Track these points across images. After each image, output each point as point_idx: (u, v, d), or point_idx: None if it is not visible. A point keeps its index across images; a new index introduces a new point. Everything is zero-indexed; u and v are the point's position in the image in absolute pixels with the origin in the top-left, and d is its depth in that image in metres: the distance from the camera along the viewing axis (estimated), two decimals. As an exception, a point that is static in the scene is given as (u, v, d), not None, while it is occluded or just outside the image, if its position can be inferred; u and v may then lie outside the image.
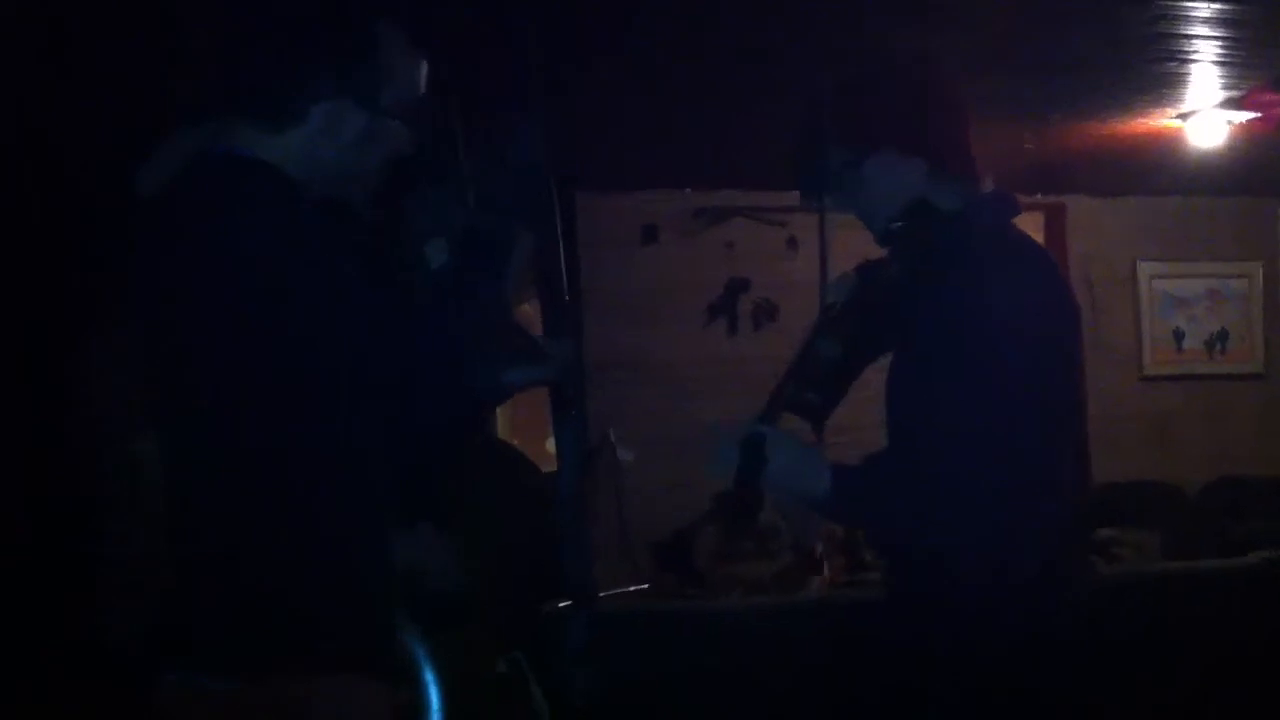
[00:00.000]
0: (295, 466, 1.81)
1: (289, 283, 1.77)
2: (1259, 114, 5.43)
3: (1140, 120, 5.57)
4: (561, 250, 2.25)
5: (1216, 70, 4.91)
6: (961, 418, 2.15)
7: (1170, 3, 4.18)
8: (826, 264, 2.39)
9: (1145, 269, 7.14)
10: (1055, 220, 7.00)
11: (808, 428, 2.36)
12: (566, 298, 2.28)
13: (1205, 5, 4.19)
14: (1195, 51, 4.68)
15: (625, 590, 5.30)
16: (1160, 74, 4.95)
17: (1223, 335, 7.23)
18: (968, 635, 2.22)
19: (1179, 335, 7.20)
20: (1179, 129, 5.67)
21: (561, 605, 2.11)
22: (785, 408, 2.29)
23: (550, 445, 2.48)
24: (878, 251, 2.45)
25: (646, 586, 5.42)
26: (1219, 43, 4.59)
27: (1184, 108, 5.43)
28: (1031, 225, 6.84)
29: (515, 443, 5.40)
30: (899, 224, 2.31)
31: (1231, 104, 5.35)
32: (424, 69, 2.01)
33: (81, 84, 3.60)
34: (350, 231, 1.99)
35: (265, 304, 1.76)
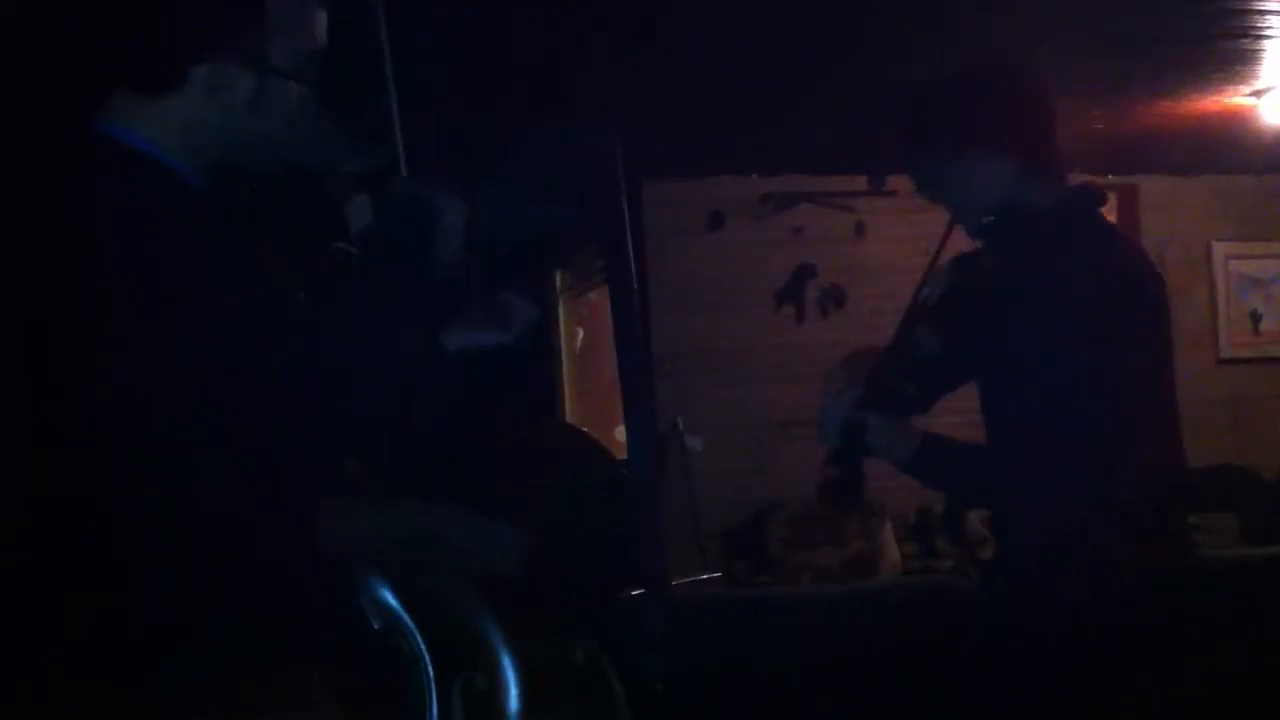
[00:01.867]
0: (256, 462, 1.73)
1: (169, 283, 1.67)
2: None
3: (1214, 98, 5.49)
4: (629, 238, 2.24)
5: (1291, 46, 4.84)
6: (1062, 406, 2.23)
7: (1244, -22, 4.12)
8: (938, 258, 2.46)
9: (1221, 249, 7.03)
10: (1128, 201, 6.91)
11: None
12: (635, 285, 2.27)
13: (1280, -21, 4.13)
14: (1269, 27, 4.61)
15: (697, 579, 5.30)
16: (1234, 50, 4.88)
17: (1302, 316, 7.12)
18: (1060, 614, 2.29)
19: (1256, 317, 7.08)
20: (1253, 107, 5.58)
21: (635, 593, 2.12)
22: (882, 396, 2.37)
23: (620, 434, 2.48)
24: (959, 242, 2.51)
25: (718, 575, 5.42)
26: (1294, 18, 4.52)
27: (1258, 85, 5.35)
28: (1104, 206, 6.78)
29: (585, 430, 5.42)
30: (991, 219, 2.38)
31: (1307, 80, 5.27)
32: (322, 19, 1.86)
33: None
34: (243, 208, 1.86)
35: (149, 306, 1.67)
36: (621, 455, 2.32)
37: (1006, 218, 2.36)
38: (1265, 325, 7.10)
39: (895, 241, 6.16)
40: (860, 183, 6.49)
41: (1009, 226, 2.36)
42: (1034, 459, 2.25)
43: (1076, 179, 2.51)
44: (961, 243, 2.49)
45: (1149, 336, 2.33)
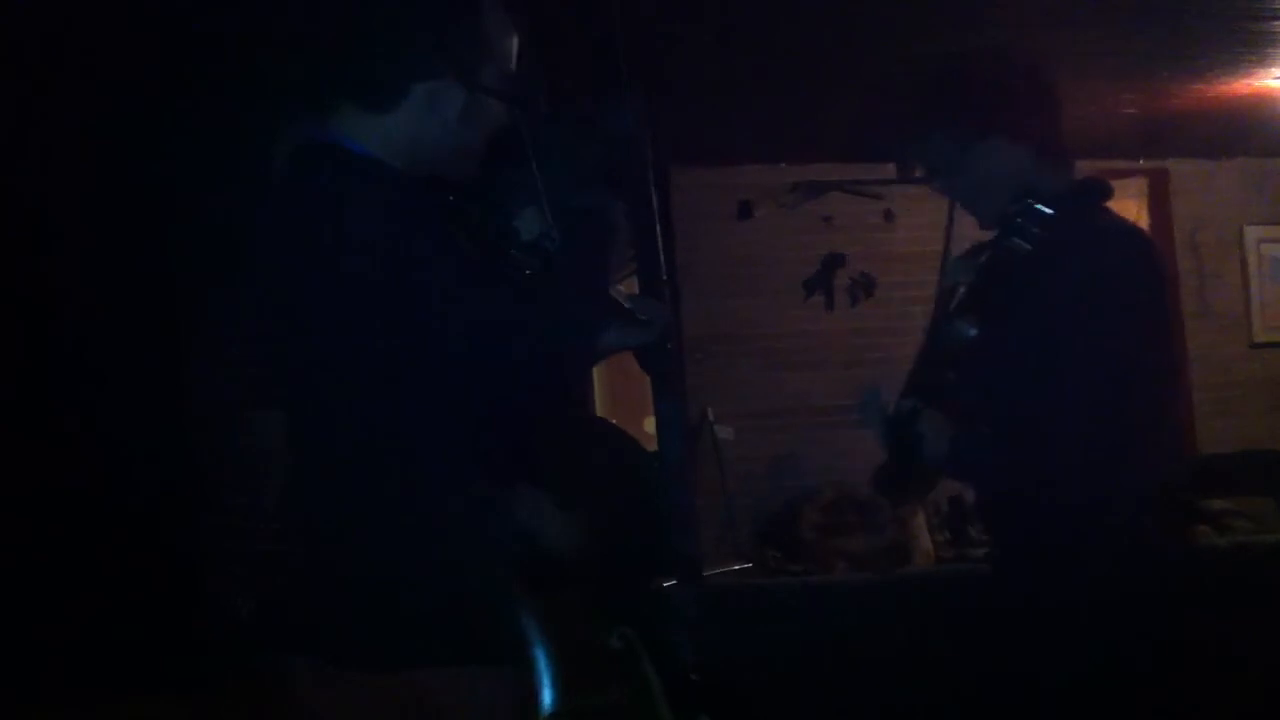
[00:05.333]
0: (416, 453, 1.83)
1: (392, 271, 1.78)
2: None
3: (1245, 80, 5.44)
4: (658, 226, 2.24)
5: (1324, 27, 4.79)
6: (1081, 390, 2.27)
7: (1276, -42, 4.09)
8: (950, 246, 2.49)
9: (1252, 233, 6.96)
10: (1159, 185, 6.86)
11: None
12: (664, 274, 2.28)
13: (1313, -41, 4.09)
14: (1302, 8, 4.57)
15: (729, 568, 5.30)
16: (1265, 32, 4.83)
17: (1335, 300, 7.04)
18: (1073, 597, 2.31)
19: (1289, 300, 7.02)
20: (1286, 88, 5.54)
21: (667, 583, 2.13)
22: (924, 388, 2.40)
23: (649, 425, 2.49)
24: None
25: (750, 565, 5.42)
26: (1327, -2, 4.47)
27: (1290, 66, 5.30)
28: (1135, 190, 6.72)
29: (614, 421, 5.43)
30: (1013, 208, 2.39)
31: (1340, 61, 5.21)
32: (517, 42, 2.00)
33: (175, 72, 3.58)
34: (452, 212, 1.98)
35: (371, 292, 1.78)
36: (652, 446, 2.33)
37: (1022, 207, 2.38)
38: (1298, 309, 7.04)
39: (925, 229, 6.12)
40: (890, 170, 6.44)
41: (1026, 215, 2.38)
42: (1050, 448, 2.29)
43: (1092, 167, 2.53)
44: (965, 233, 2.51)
45: (1164, 327, 2.38)
